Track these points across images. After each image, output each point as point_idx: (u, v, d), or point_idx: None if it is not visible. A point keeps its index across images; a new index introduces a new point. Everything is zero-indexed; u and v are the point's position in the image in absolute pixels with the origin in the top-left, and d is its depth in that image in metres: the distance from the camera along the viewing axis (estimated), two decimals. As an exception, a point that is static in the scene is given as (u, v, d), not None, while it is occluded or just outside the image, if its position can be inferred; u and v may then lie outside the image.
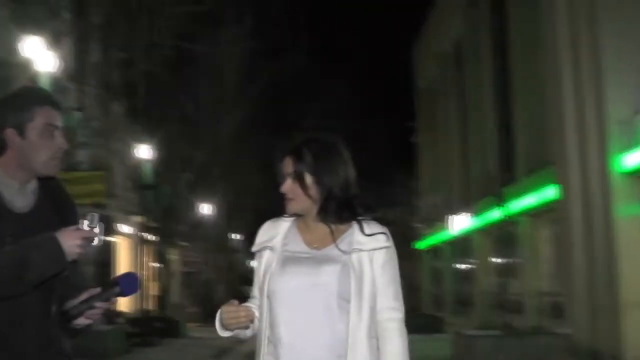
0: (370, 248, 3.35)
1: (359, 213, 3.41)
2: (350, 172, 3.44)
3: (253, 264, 3.45)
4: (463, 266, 37.21)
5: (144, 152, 27.63)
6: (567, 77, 19.85)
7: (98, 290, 3.14)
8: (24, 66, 17.02)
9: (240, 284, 73.46)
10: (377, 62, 70.84)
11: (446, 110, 39.35)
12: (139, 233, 34.79)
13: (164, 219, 34.09)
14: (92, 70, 21.85)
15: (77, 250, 3.02)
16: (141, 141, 28.14)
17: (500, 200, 27.08)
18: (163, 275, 40.55)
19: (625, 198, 17.58)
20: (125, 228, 33.93)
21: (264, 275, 3.38)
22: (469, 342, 17.71)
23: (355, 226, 3.40)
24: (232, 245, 57.32)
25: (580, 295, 18.96)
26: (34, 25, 18.27)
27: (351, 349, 3.26)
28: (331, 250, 3.36)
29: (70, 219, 3.19)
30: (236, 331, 3.37)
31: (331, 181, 3.37)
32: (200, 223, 42.50)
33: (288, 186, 3.40)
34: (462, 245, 36.35)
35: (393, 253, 3.44)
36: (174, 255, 49.47)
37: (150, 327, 26.00)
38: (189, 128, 33.02)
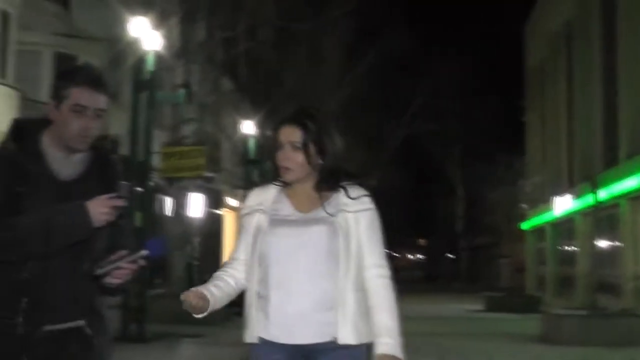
0: (355, 210, 3.51)
1: (344, 180, 3.58)
2: (342, 143, 3.64)
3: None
4: (565, 248, 36.95)
5: (248, 127, 28.50)
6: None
7: (125, 252, 3.32)
8: (132, 45, 17.96)
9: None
10: (487, 41, 70.15)
11: (554, 90, 38.92)
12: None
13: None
14: (198, 49, 22.72)
15: (104, 217, 3.24)
16: (246, 117, 29.03)
17: (595, 183, 26.86)
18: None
19: None
20: (232, 201, 35.01)
21: (255, 237, 3.53)
22: (555, 321, 17.88)
23: (340, 190, 3.56)
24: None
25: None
26: (141, 5, 19.22)
27: (340, 303, 3.42)
28: (318, 212, 3.51)
29: (112, 188, 3.34)
30: (211, 306, 3.50)
31: (330, 152, 3.54)
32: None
33: (287, 154, 3.51)
34: (564, 226, 36.10)
35: (376, 215, 3.59)
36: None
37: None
38: (293, 105, 33.62)
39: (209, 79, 25.64)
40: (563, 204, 33.85)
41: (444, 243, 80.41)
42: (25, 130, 3.39)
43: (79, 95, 3.31)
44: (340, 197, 3.54)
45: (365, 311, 3.50)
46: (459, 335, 18.62)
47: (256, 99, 34.51)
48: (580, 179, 30.93)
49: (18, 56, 21.49)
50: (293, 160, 3.50)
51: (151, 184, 23.75)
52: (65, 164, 3.37)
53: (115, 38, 19.85)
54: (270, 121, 32.53)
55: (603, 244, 29.85)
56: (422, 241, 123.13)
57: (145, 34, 17.12)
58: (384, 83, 42.30)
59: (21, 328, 3.23)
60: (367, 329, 3.50)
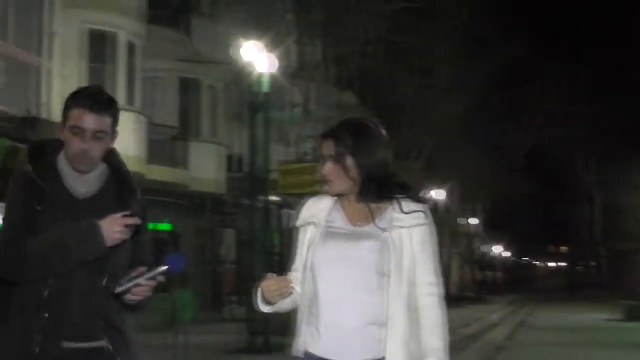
0: (409, 225, 3.43)
1: (396, 192, 3.49)
2: (388, 153, 3.54)
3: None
4: None
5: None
6: None
7: (145, 269, 3.33)
8: (248, 67, 18.71)
9: (479, 269, 73.78)
10: (612, 44, 68.41)
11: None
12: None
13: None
14: (315, 68, 23.34)
15: (118, 236, 3.27)
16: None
17: None
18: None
19: None
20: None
21: (308, 249, 3.52)
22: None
23: (394, 204, 3.48)
24: (468, 230, 57.60)
25: None
26: (257, 29, 19.96)
27: (391, 320, 3.37)
28: (371, 227, 3.47)
29: (129, 206, 3.37)
30: (277, 306, 3.54)
31: (370, 162, 3.44)
32: (436, 208, 43.30)
33: (329, 168, 3.49)
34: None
35: (432, 230, 3.51)
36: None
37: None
38: (415, 116, 34.04)
39: (329, 95, 26.24)
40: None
41: (584, 250, 78.58)
42: (42, 150, 3.44)
43: (77, 117, 3.33)
44: (393, 212, 3.46)
45: (417, 331, 3.43)
46: (588, 346, 18.31)
47: (378, 113, 35.03)
48: None
49: (144, 83, 22.60)
50: (332, 173, 3.47)
51: (276, 199, 24.56)
52: (81, 182, 3.40)
53: (234, 61, 20.65)
54: (392, 135, 32.96)
55: None
56: (563, 249, 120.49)
57: (259, 57, 17.78)
58: (507, 92, 42.02)
59: (40, 346, 3.25)
60: (419, 349, 3.43)
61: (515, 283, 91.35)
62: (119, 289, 3.27)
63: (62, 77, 19.12)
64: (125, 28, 21.44)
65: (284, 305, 3.56)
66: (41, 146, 3.46)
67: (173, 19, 24.80)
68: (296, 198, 24.23)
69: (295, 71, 22.42)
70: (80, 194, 3.38)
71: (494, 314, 35.51)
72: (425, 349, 3.42)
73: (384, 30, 26.06)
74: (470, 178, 45.57)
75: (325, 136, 3.53)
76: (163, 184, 23.75)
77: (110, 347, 3.36)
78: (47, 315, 3.26)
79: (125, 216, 3.27)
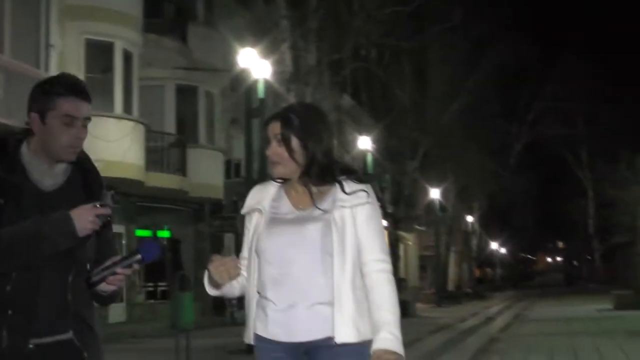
0: (352, 204, 3.44)
1: (338, 175, 3.52)
2: (332, 139, 3.59)
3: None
4: None
5: (365, 143, 29.25)
6: None
7: (119, 257, 3.27)
8: (244, 73, 19.04)
9: (477, 266, 74.07)
10: (608, 44, 68.89)
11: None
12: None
13: (396, 204, 35.59)
14: (309, 72, 23.67)
15: (90, 226, 3.18)
16: (363, 133, 29.82)
17: None
18: (397, 259, 41.96)
19: None
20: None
21: (253, 236, 3.54)
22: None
23: (336, 186, 3.50)
24: (465, 228, 57.92)
25: None
26: (253, 35, 20.29)
27: (337, 300, 3.37)
28: (314, 210, 3.48)
29: (95, 197, 3.30)
30: (225, 289, 3.55)
31: (315, 146, 3.46)
32: (432, 207, 43.64)
33: (274, 150, 3.50)
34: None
35: (375, 208, 3.52)
36: (409, 240, 51.01)
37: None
38: (411, 117, 34.41)
39: (324, 98, 26.56)
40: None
41: (580, 245, 78.96)
42: (5, 142, 3.31)
43: (67, 106, 3.24)
44: (336, 193, 3.48)
45: (365, 308, 3.42)
46: (578, 334, 18.69)
47: (375, 114, 35.45)
48: None
49: (142, 91, 22.90)
50: (279, 155, 3.48)
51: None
52: (46, 175, 3.31)
53: (230, 67, 20.97)
54: (389, 135, 33.43)
55: None
56: (560, 244, 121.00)
57: (254, 64, 18.09)
58: (503, 90, 42.38)
59: (5, 342, 3.15)
60: (368, 326, 3.42)
61: (514, 279, 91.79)
62: (94, 278, 3.22)
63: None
64: (122, 37, 21.79)
65: (232, 290, 3.57)
66: (3, 138, 3.32)
67: (169, 27, 25.06)
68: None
69: (290, 76, 22.72)
70: (45, 186, 3.29)
71: (491, 309, 35.86)
72: (376, 324, 3.39)
73: (377, 34, 26.46)
74: (466, 176, 45.91)
75: (272, 118, 3.54)
76: (162, 191, 24.06)
77: (77, 340, 3.28)
78: (11, 311, 3.16)
79: (95, 206, 3.18)
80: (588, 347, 15.28)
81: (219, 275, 3.39)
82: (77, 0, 20.75)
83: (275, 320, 3.43)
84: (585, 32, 67.62)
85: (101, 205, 3.20)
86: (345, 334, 3.37)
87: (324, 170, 3.49)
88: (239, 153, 25.99)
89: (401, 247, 46.14)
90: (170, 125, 25.56)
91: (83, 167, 3.41)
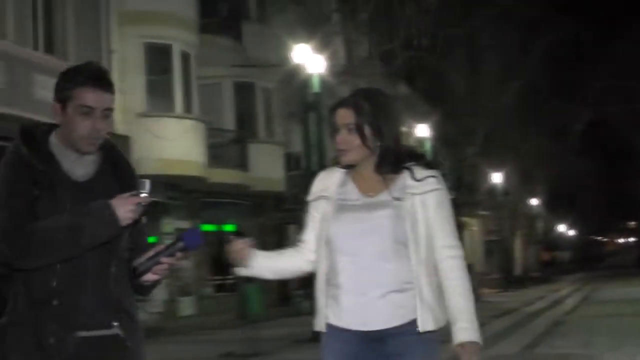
0: (421, 191, 3.41)
1: (408, 162, 3.49)
2: (401, 124, 3.60)
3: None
4: None
5: (423, 130, 29.45)
6: None
7: (163, 246, 3.24)
8: (299, 68, 19.47)
9: (544, 249, 73.42)
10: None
11: None
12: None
13: (457, 190, 35.65)
14: (362, 64, 23.99)
15: (130, 215, 3.13)
16: (419, 120, 30.02)
17: None
18: (462, 245, 41.92)
19: None
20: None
21: (321, 223, 3.49)
22: None
23: (406, 173, 3.46)
24: (531, 212, 57.48)
25: None
26: (305, 30, 20.69)
27: (417, 288, 3.37)
28: (384, 196, 3.44)
29: (129, 186, 3.25)
30: (254, 271, 3.59)
31: (388, 133, 3.43)
32: (494, 191, 43.54)
33: (343, 138, 3.44)
34: None
35: (445, 194, 3.49)
36: (473, 226, 50.90)
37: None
38: (467, 103, 34.49)
39: (383, 88, 26.84)
40: None
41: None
42: (33, 133, 3.26)
43: (84, 95, 3.17)
44: (406, 180, 3.44)
45: (439, 295, 3.42)
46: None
47: (430, 101, 35.60)
48: None
49: (200, 90, 23.47)
50: (349, 142, 3.42)
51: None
52: (77, 165, 3.25)
53: (285, 62, 21.39)
54: (446, 122, 33.56)
55: None
56: (631, 224, 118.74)
57: (309, 59, 18.49)
58: (560, 71, 42.00)
59: (54, 336, 3.14)
60: (442, 313, 3.42)
61: (583, 261, 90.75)
62: (140, 268, 3.22)
63: (121, 91, 19.98)
64: (179, 39, 22.38)
65: (262, 271, 3.62)
66: (31, 129, 3.28)
67: (224, 26, 25.60)
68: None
69: (343, 68, 23.07)
70: (77, 176, 3.24)
71: (558, 292, 35.76)
72: (453, 312, 3.40)
73: (428, 23, 26.68)
74: (528, 159, 45.65)
75: (341, 105, 3.48)
76: (224, 186, 24.63)
77: (122, 333, 3.27)
78: (57, 304, 3.14)
79: (134, 195, 3.15)
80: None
81: (232, 256, 3.52)
82: (135, 6, 21.37)
83: (348, 309, 3.41)
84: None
85: (139, 194, 3.17)
86: (426, 322, 3.36)
87: (396, 157, 3.45)
88: (297, 146, 26.40)
89: (465, 232, 46.18)
90: (229, 121, 26.10)
91: (111, 156, 3.37)
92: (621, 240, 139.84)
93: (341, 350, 3.45)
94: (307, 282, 24.72)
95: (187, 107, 22.57)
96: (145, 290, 3.38)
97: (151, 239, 3.59)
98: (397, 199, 3.41)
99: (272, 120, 27.39)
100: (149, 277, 3.25)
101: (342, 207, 3.46)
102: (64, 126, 3.22)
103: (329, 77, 20.48)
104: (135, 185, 3.24)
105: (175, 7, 22.05)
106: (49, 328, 3.12)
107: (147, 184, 3.18)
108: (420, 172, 3.44)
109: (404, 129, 3.61)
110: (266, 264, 3.62)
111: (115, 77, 20.70)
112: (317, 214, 3.53)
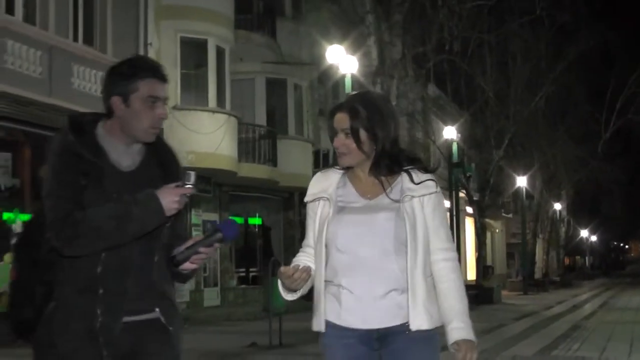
0: (420, 194, 3.47)
1: (405, 164, 3.55)
2: (398, 128, 3.60)
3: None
4: None
5: (450, 132, 29.76)
6: None
7: (201, 237, 3.34)
8: (332, 68, 19.84)
9: (566, 254, 73.34)
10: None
11: None
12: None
13: (482, 192, 35.92)
14: (395, 65, 24.35)
15: (175, 206, 3.22)
16: (448, 122, 30.36)
17: None
18: (484, 247, 42.10)
19: None
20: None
21: (321, 225, 3.52)
22: None
23: (404, 175, 3.53)
24: (554, 216, 57.52)
25: None
26: (339, 31, 21.06)
27: (410, 288, 3.41)
28: (383, 199, 3.50)
29: (174, 177, 3.32)
30: (301, 292, 3.54)
31: (383, 136, 3.47)
32: (518, 195, 43.70)
33: (341, 141, 3.48)
34: None
35: (441, 198, 3.56)
36: (496, 228, 51.09)
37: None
38: (496, 107, 34.73)
39: (410, 90, 27.15)
40: None
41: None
42: (81, 123, 3.36)
43: (151, 86, 3.31)
44: (404, 182, 3.52)
45: (434, 295, 3.49)
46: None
47: (460, 103, 35.93)
48: None
49: (233, 85, 23.87)
50: (346, 146, 3.47)
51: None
52: (124, 155, 3.35)
53: (318, 60, 21.74)
54: (474, 124, 33.87)
55: None
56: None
57: (342, 60, 18.84)
58: (590, 77, 42.08)
59: (100, 321, 3.23)
60: (438, 312, 3.49)
61: (605, 267, 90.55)
62: (179, 257, 3.30)
63: (157, 84, 20.50)
64: (215, 34, 22.76)
65: (306, 288, 3.57)
66: (79, 120, 3.39)
67: (258, 22, 25.96)
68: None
69: (375, 69, 23.43)
70: (124, 166, 3.34)
71: (578, 297, 35.89)
72: (447, 313, 3.47)
73: (460, 29, 27.02)
74: (553, 164, 45.78)
75: (338, 109, 3.53)
76: (253, 180, 25.04)
77: (163, 318, 3.37)
78: (102, 290, 3.23)
79: (180, 186, 3.24)
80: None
81: (295, 283, 3.44)
82: (173, 1, 21.80)
83: (350, 308, 3.45)
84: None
85: (184, 185, 3.25)
86: (419, 321, 3.43)
87: (392, 160, 3.52)
88: (327, 143, 26.70)
89: (488, 234, 46.42)
90: (261, 117, 26.47)
91: (157, 146, 3.45)
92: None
93: (343, 349, 3.48)
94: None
95: (220, 102, 22.96)
96: (183, 278, 3.47)
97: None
98: (397, 201, 3.47)
99: (303, 117, 27.74)
100: (187, 266, 3.33)
101: (343, 208, 3.50)
102: (124, 118, 3.31)
103: (361, 77, 20.84)
104: (180, 176, 3.31)
105: (212, 2, 22.42)
106: (94, 314, 3.21)
107: (192, 175, 3.27)
108: (418, 175, 3.52)
109: (396, 131, 3.60)
110: (307, 284, 3.57)
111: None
112: (315, 216, 3.57)
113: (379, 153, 3.49)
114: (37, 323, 3.29)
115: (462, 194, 34.81)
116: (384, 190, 3.50)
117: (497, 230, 51.28)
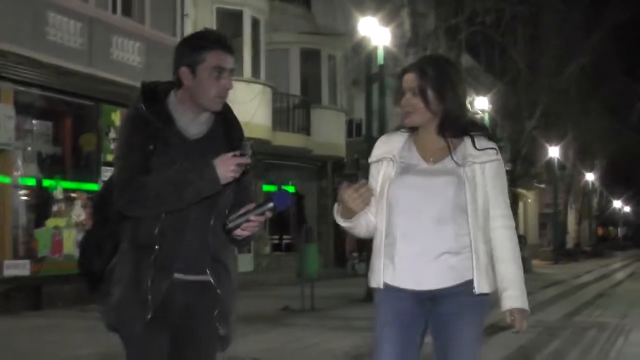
0: (482, 161, 3.49)
1: (471, 129, 3.56)
2: (467, 92, 3.64)
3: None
4: None
5: (482, 103, 29.89)
6: None
7: (253, 205, 3.43)
8: (364, 41, 20.08)
9: (599, 225, 73.07)
10: None
11: None
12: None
13: (514, 162, 36.03)
14: (427, 37, 24.51)
15: (231, 174, 3.33)
16: (481, 92, 30.47)
17: None
18: (516, 217, 42.14)
19: None
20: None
21: (383, 183, 3.56)
22: None
23: (467, 141, 3.54)
24: (586, 186, 57.40)
25: None
26: (373, 2, 21.27)
27: (474, 251, 3.45)
28: (447, 162, 3.52)
29: (236, 147, 3.40)
30: (355, 223, 3.58)
31: (451, 97, 3.49)
32: (551, 165, 43.72)
33: (408, 100, 3.52)
34: None
35: (502, 166, 3.56)
36: (529, 198, 51.13)
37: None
38: (529, 78, 34.74)
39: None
40: None
41: None
42: (153, 92, 3.50)
43: (216, 58, 3.42)
44: (467, 148, 3.53)
45: (491, 261, 3.53)
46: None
47: (493, 74, 35.97)
48: None
49: (268, 55, 24.22)
50: (413, 105, 3.51)
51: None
52: (191, 124, 3.47)
53: (352, 31, 21.99)
54: (507, 95, 33.95)
55: None
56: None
57: (375, 31, 19.07)
58: (625, 48, 41.88)
59: (151, 277, 3.39)
60: (494, 278, 3.52)
61: (638, 238, 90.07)
62: (230, 225, 3.40)
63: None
64: (250, 5, 23.10)
65: (360, 228, 3.62)
66: (154, 88, 3.53)
67: (294, -6, 26.24)
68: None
69: (409, 41, 23.62)
70: (190, 134, 3.47)
71: (607, 267, 36.04)
72: (503, 280, 3.50)
73: (493, 1, 27.14)
74: (586, 134, 45.69)
75: (408, 69, 3.59)
76: (287, 149, 25.44)
77: (213, 280, 3.49)
78: (158, 249, 3.40)
79: (236, 156, 3.34)
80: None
81: (355, 203, 3.47)
82: (210, -27, 22.13)
83: (403, 269, 3.49)
84: None
85: (241, 155, 3.34)
86: (482, 285, 3.47)
87: (458, 123, 3.53)
88: (360, 113, 27.03)
89: (520, 204, 46.49)
90: (295, 87, 26.79)
91: (225, 117, 3.58)
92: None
93: (395, 308, 3.53)
94: (362, 244, 25.60)
95: (256, 72, 23.32)
96: (240, 244, 3.61)
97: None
98: (459, 165, 3.50)
99: (336, 87, 28.03)
100: (239, 232, 3.44)
101: (405, 169, 3.54)
102: (191, 89, 3.44)
103: (393, 48, 21.06)
104: (240, 146, 3.41)
105: (248, -26, 22.75)
106: (147, 270, 3.38)
107: (248, 146, 3.38)
108: (481, 142, 3.54)
109: (467, 98, 3.74)
110: (364, 220, 3.62)
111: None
112: (378, 175, 3.60)
113: (445, 114, 3.51)
114: (104, 275, 3.52)
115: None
116: (450, 152, 3.53)
117: (529, 200, 51.30)
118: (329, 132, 27.08)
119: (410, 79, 3.52)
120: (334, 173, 29.28)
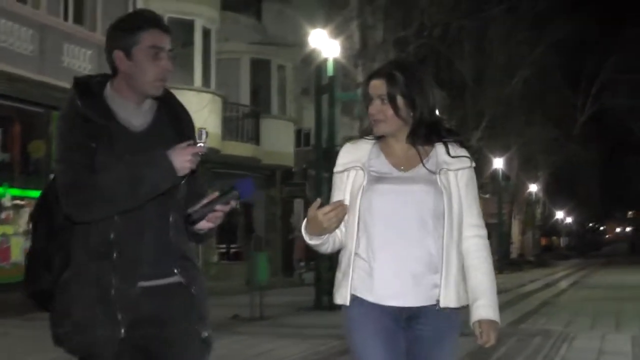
0: (456, 168, 3.36)
1: (444, 136, 3.43)
2: (436, 97, 3.45)
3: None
4: None
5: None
6: None
7: (217, 194, 3.19)
8: (314, 53, 20.30)
9: (543, 235, 74.25)
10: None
11: None
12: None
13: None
14: (376, 49, 24.89)
15: (188, 165, 3.08)
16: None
17: None
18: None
19: None
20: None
21: (354, 194, 3.36)
22: None
23: (439, 147, 3.41)
24: (530, 197, 58.28)
25: None
26: (323, 14, 21.53)
27: (446, 263, 3.30)
28: (419, 170, 3.37)
29: (187, 134, 3.22)
30: (324, 240, 3.36)
31: (421, 104, 3.34)
32: (495, 176, 44.39)
33: (377, 108, 3.36)
34: None
35: (474, 174, 3.46)
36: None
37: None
38: (474, 90, 35.38)
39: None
40: None
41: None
42: (89, 85, 3.22)
43: (152, 38, 3.16)
44: (439, 155, 3.40)
45: (463, 273, 3.38)
46: (628, 300, 19.49)
47: (439, 86, 36.47)
48: None
49: (219, 65, 24.36)
50: (382, 112, 3.35)
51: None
52: (133, 114, 3.21)
53: (302, 42, 22.22)
54: (453, 107, 34.52)
55: None
56: (630, 213, 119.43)
57: (324, 44, 19.30)
58: (567, 61, 42.81)
59: (115, 288, 3.11)
60: (465, 291, 3.38)
61: (581, 248, 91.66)
62: (194, 216, 3.17)
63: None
64: (202, 15, 23.23)
65: (328, 244, 3.40)
66: (86, 81, 3.25)
67: (245, 4, 26.41)
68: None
69: (358, 52, 23.95)
70: (134, 126, 3.21)
71: (551, 276, 36.54)
72: (474, 290, 3.37)
73: (441, 14, 27.65)
74: (530, 146, 46.47)
75: (374, 76, 3.43)
76: (236, 158, 25.56)
77: (184, 280, 3.24)
78: (117, 256, 3.11)
79: (191, 145, 3.11)
80: (630, 312, 16.26)
81: (330, 222, 3.25)
82: (162, -19, 22.17)
83: (384, 284, 3.32)
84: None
85: (197, 144, 3.13)
86: (449, 299, 3.32)
87: (430, 129, 3.40)
88: (309, 122, 27.26)
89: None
90: (245, 96, 26.97)
91: (168, 104, 3.31)
92: (619, 230, 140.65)
93: (372, 322, 3.34)
94: (311, 253, 25.82)
95: (206, 81, 23.44)
96: (199, 238, 3.35)
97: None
98: (433, 172, 3.35)
99: (285, 97, 28.25)
100: (203, 225, 3.20)
101: (378, 178, 3.36)
102: (128, 73, 3.18)
103: (343, 59, 21.31)
104: (192, 133, 3.23)
105: (199, -17, 22.87)
106: (109, 280, 3.09)
107: (204, 133, 3.16)
108: (455, 148, 3.42)
109: (434, 100, 3.45)
110: (331, 235, 3.40)
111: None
112: (345, 186, 3.41)
113: (417, 121, 3.36)
114: (55, 291, 3.19)
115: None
116: (421, 160, 3.38)
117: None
118: (278, 141, 27.28)
119: (377, 85, 3.36)
120: (283, 182, 29.44)
